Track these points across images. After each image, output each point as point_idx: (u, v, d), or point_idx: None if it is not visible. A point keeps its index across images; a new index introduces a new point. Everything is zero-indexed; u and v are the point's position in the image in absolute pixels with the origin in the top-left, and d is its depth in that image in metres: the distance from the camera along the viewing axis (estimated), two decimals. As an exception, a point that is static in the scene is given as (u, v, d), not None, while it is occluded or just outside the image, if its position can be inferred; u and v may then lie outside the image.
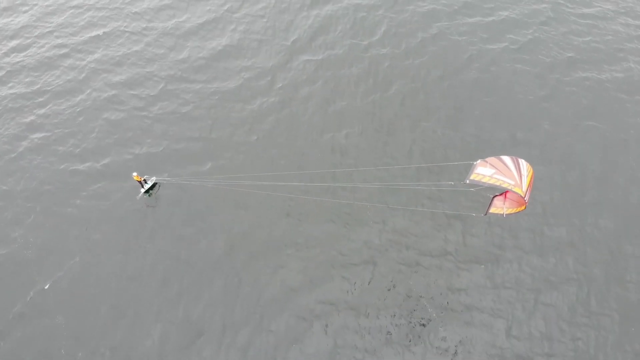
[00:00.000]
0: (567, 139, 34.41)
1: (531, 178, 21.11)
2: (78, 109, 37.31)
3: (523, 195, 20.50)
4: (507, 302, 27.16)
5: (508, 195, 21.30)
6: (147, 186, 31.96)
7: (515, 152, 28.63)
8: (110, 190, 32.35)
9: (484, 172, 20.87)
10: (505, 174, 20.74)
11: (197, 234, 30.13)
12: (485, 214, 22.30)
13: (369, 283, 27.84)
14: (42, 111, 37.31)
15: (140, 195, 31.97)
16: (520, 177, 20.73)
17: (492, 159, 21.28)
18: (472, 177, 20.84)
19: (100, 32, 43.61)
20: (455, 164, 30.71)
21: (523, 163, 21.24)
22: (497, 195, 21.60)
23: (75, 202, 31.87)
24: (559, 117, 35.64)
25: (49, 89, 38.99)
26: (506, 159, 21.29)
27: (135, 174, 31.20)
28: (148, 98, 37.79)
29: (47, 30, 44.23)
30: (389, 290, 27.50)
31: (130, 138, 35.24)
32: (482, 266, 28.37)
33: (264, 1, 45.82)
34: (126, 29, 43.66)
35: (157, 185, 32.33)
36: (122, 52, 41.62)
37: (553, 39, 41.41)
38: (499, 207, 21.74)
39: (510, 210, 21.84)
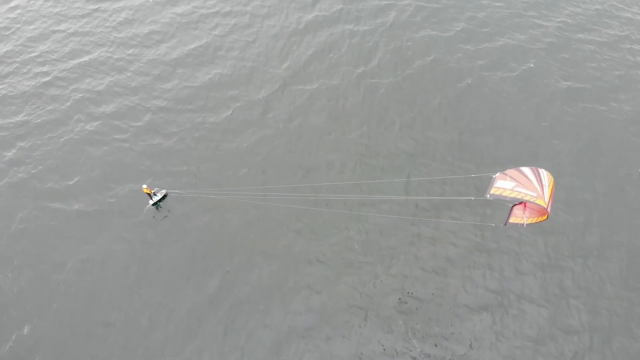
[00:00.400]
0: (569, 174, 34.43)
1: (552, 187, 21.38)
2: (60, 141, 37.28)
3: (546, 207, 20.75)
4: (506, 352, 26.93)
5: (528, 204, 21.49)
6: (156, 198, 32.89)
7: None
8: (92, 230, 32.19)
9: (504, 185, 21.21)
10: (526, 186, 21.03)
11: (183, 280, 29.92)
12: (505, 225, 22.54)
13: (361, 332, 27.64)
14: (22, 143, 37.30)
15: (148, 206, 32.89)
16: (542, 187, 20.98)
17: (511, 171, 21.65)
18: (492, 192, 21.18)
19: (85, 58, 43.76)
20: (471, 177, 31.07)
21: (543, 173, 21.52)
22: (516, 205, 21.80)
23: (55, 242, 31.72)
24: (560, 150, 35.71)
25: (30, 119, 39.02)
26: (526, 170, 21.65)
27: (145, 186, 32.32)
28: (133, 130, 37.82)
29: (30, 56, 44.41)
30: (383, 339, 27.30)
31: (114, 173, 35.18)
32: (481, 314, 28.17)
33: (255, 25, 46.15)
34: (112, 56, 43.86)
35: (165, 198, 33.36)
36: (107, 81, 41.74)
37: (553, 66, 41.67)
38: (519, 216, 21.96)
39: (530, 220, 22.07)
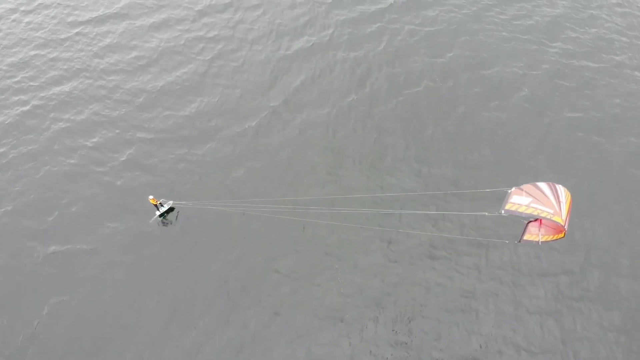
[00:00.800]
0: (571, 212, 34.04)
1: (570, 204, 21.28)
2: (39, 174, 36.89)
3: (563, 224, 20.61)
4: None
5: (544, 221, 21.34)
6: (162, 209, 33.30)
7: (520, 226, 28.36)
8: (70, 270, 31.71)
9: (520, 201, 21.10)
10: (543, 202, 20.91)
11: (163, 325, 29.34)
12: (519, 241, 22.40)
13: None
14: (-1, 176, 37.02)
15: (154, 218, 33.28)
16: (559, 204, 20.88)
17: (527, 187, 21.57)
18: (507, 207, 21.06)
19: (66, 85, 43.47)
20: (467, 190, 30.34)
21: (561, 189, 21.51)
22: (531, 221, 21.60)
23: (31, 283, 31.22)
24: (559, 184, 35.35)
25: (7, 150, 38.60)
26: (542, 185, 21.58)
27: (151, 196, 32.66)
28: (114, 162, 37.42)
29: (8, 82, 44.11)
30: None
31: (93, 209, 34.75)
32: (473, 361, 27.78)
33: (243, 50, 45.93)
34: (94, 82, 43.59)
35: (172, 210, 33.96)
36: (88, 109, 41.38)
37: (550, 94, 41.46)
38: (534, 234, 21.86)
39: (546, 238, 22.00)
